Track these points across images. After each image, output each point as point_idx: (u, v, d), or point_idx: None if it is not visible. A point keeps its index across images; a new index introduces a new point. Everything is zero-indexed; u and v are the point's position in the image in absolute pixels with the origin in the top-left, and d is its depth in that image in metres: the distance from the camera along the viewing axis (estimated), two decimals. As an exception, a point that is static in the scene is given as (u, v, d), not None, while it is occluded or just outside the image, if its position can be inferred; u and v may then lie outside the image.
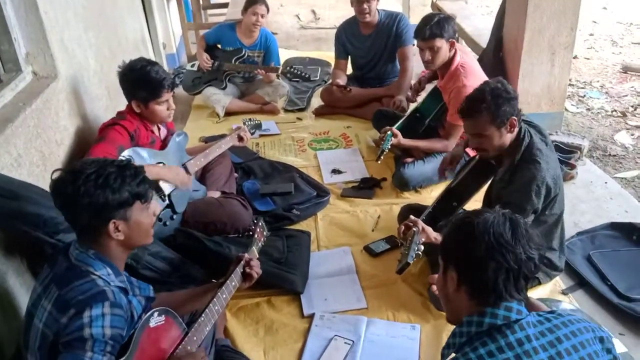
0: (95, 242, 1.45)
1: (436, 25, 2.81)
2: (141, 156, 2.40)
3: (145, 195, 1.50)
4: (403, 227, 2.10)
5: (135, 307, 1.49)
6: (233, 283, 1.76)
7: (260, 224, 2.08)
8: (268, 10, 4.08)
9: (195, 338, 1.55)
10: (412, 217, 2.11)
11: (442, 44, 2.83)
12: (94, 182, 1.40)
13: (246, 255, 1.83)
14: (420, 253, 1.98)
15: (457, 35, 2.87)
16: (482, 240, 1.18)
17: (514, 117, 2.03)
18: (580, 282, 2.39)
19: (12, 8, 2.27)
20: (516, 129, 2.07)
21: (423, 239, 2.04)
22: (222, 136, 3.63)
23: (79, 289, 1.36)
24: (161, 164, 2.48)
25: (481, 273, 1.17)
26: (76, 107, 2.66)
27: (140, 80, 2.42)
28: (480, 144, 2.11)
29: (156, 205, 1.58)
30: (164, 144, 2.61)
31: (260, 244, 2.03)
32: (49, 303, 1.37)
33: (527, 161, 2.05)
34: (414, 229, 2.04)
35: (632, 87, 4.79)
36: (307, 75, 4.01)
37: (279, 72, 4.07)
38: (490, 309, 1.17)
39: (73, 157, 2.43)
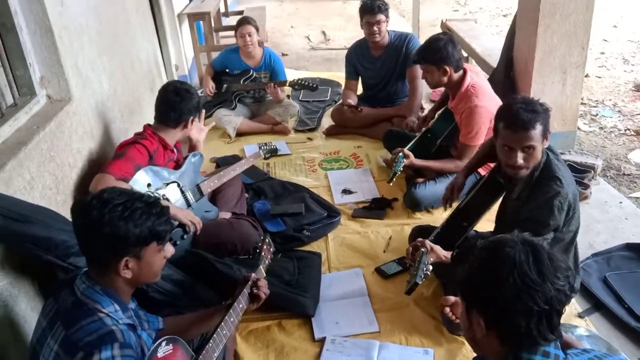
0: (102, 276, 1.42)
1: (422, 52, 2.94)
2: (156, 175, 2.43)
3: (163, 238, 1.47)
4: (411, 248, 2.10)
5: (146, 342, 1.46)
6: (240, 305, 1.73)
7: (266, 240, 2.06)
8: (257, 29, 4.15)
9: (203, 364, 1.52)
10: (420, 238, 2.12)
11: (431, 69, 2.91)
12: (120, 213, 1.37)
13: (253, 275, 1.80)
14: (429, 273, 1.98)
15: (455, 58, 2.87)
16: (506, 282, 1.08)
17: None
18: (596, 305, 2.35)
19: (27, 33, 2.31)
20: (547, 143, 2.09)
21: (432, 259, 2.03)
22: (234, 157, 3.65)
23: (86, 329, 1.31)
24: (175, 184, 2.52)
25: (510, 318, 1.09)
26: (89, 130, 2.69)
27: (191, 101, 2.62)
28: (526, 159, 2.05)
29: (170, 248, 1.55)
30: (178, 164, 2.66)
31: (267, 262, 2.00)
32: (55, 343, 1.32)
33: (546, 177, 2.06)
34: (422, 249, 2.03)
35: (645, 105, 4.75)
36: (314, 85, 4.01)
37: (287, 84, 4.09)
38: (526, 355, 1.10)
39: (86, 180, 2.44)
